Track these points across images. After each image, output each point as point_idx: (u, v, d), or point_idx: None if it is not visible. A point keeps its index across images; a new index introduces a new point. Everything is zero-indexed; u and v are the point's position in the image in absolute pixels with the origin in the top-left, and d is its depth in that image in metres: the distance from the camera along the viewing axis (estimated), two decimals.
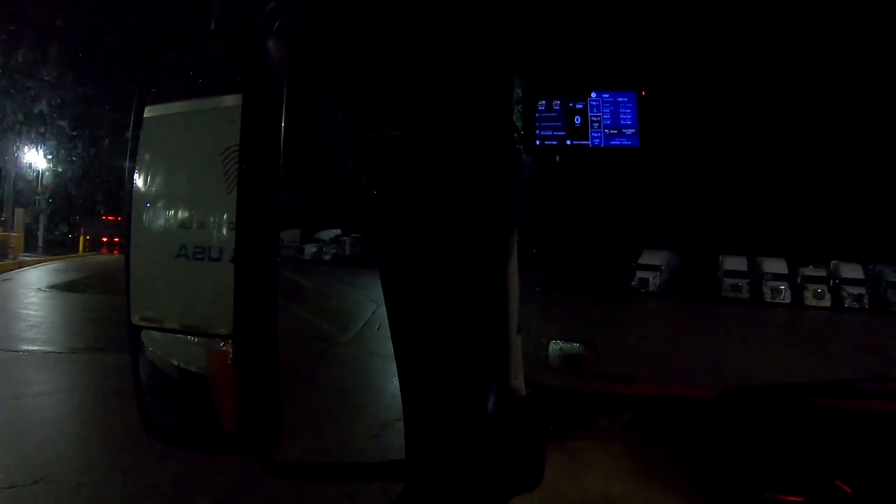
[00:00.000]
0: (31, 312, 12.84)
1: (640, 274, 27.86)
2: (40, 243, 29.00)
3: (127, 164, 0.86)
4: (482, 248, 1.06)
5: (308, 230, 37.14)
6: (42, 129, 28.35)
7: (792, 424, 1.11)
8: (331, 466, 1.23)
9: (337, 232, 37.21)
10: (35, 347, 9.36)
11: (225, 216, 0.83)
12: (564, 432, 1.08)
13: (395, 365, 1.10)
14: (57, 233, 31.54)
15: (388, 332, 1.08)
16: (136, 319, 0.90)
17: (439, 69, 1.00)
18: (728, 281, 27.65)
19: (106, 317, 11.70)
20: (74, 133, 29.64)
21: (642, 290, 27.15)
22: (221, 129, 0.82)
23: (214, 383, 0.91)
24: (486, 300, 1.07)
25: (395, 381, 1.11)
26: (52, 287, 16.94)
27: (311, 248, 36.38)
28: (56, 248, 29.90)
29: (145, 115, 0.87)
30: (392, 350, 1.09)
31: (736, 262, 27.96)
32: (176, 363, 0.91)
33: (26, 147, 28.27)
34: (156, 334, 0.90)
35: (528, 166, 1.37)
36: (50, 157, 29.46)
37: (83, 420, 6.26)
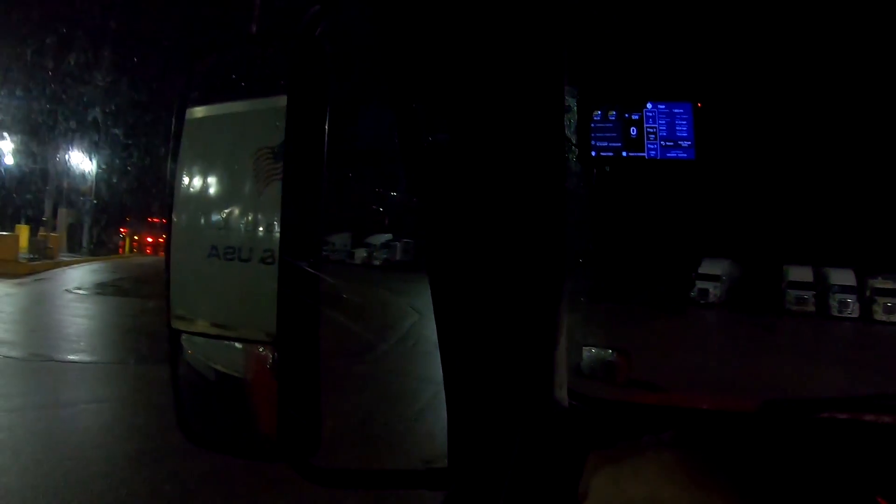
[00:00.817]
0: (45, 316, 12.61)
1: (699, 284, 26.89)
2: (84, 243, 29.87)
3: (168, 165, 0.88)
4: (532, 256, 1.04)
5: (359, 235, 37.65)
6: (85, 131, 29.15)
7: (834, 438, 1.06)
8: (370, 473, 1.23)
9: (388, 237, 37.57)
10: (33, 353, 8.99)
11: (259, 216, 0.83)
12: (607, 442, 1.05)
13: (424, 390, 1.08)
14: (102, 233, 32.20)
15: (423, 349, 1.06)
16: (174, 322, 0.91)
17: (489, 73, 0.99)
18: (792, 293, 26.39)
19: (119, 322, 11.62)
20: (118, 135, 30.23)
21: (702, 301, 26.27)
22: (258, 130, 0.83)
23: (254, 388, 0.91)
24: (536, 309, 1.05)
25: (422, 415, 1.08)
26: (79, 289, 16.99)
27: (361, 253, 36.84)
28: (100, 248, 30.75)
29: (187, 117, 0.89)
30: (422, 373, 1.07)
31: (801, 273, 26.67)
32: (215, 367, 0.92)
33: (70, 149, 29.11)
34: (197, 338, 0.91)
35: (578, 174, 1.34)
36: (93, 158, 30.26)
37: (44, 443, 5.54)
